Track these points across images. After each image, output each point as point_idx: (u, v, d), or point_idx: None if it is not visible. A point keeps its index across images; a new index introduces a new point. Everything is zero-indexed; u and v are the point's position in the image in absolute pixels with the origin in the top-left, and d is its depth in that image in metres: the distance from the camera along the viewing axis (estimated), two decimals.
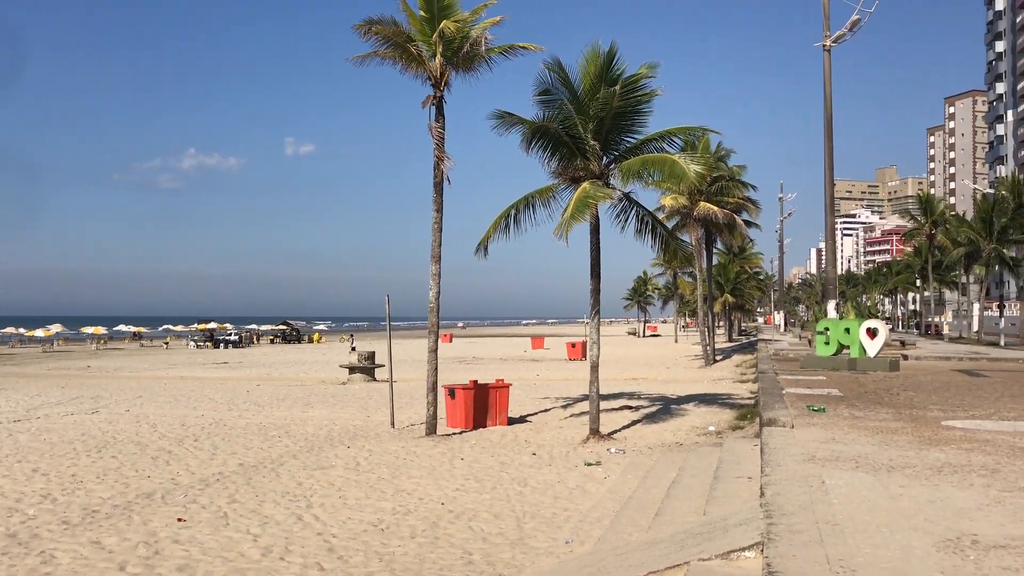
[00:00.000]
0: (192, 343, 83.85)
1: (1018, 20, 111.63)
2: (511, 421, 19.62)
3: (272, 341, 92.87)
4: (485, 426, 18.99)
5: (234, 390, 30.36)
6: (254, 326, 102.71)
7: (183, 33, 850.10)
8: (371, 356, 34.63)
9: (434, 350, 18.77)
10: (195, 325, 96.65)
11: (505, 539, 9.84)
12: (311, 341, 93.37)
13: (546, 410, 21.99)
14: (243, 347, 78.30)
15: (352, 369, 33.67)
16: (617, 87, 15.94)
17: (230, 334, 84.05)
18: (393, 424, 19.31)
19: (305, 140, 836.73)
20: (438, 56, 17.87)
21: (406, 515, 11.03)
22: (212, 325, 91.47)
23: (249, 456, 15.79)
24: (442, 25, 17.27)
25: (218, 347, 77.76)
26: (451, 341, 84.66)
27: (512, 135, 17.07)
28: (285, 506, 11.64)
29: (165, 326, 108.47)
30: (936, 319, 76.73)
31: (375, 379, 33.08)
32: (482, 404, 19.06)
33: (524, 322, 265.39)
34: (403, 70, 18.41)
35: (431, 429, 17.88)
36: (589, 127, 16.69)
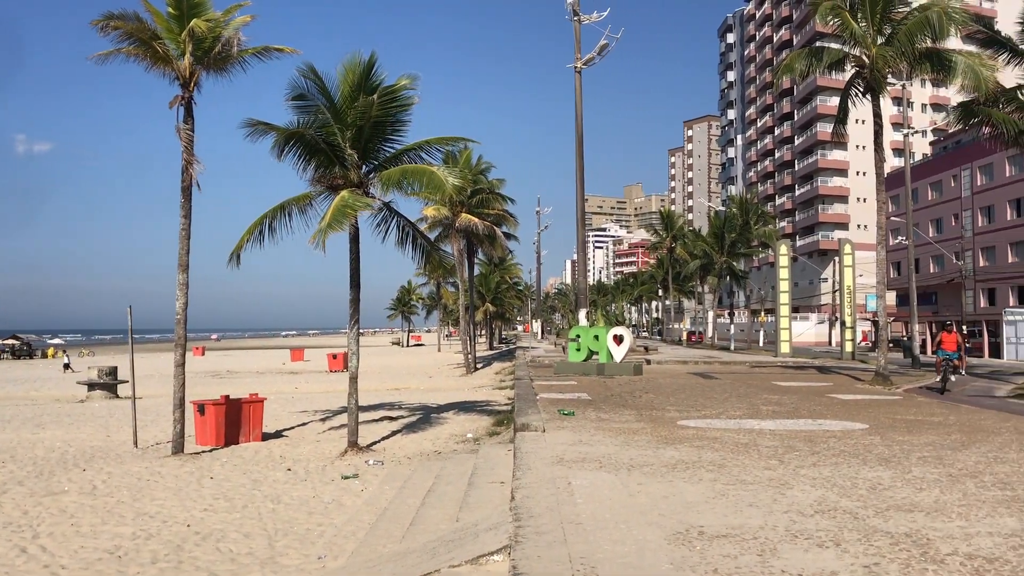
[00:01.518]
0: None
1: (747, 52, 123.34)
2: (266, 436, 18.93)
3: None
4: (238, 443, 18.20)
5: None
6: None
7: None
8: (113, 371, 32.17)
9: (181, 364, 17.76)
10: None
11: (255, 559, 9.45)
12: (45, 356, 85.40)
13: (304, 424, 21.43)
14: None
15: (91, 385, 31.11)
16: (375, 96, 15.90)
17: None
18: (136, 443, 18.03)
19: (40, 138, 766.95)
20: (187, 55, 16.98)
21: (148, 539, 10.31)
22: None
23: None
24: (192, 23, 16.42)
25: None
26: (203, 354, 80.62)
27: (268, 140, 16.55)
28: (7, 538, 10.51)
29: None
30: (699, 328, 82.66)
31: (118, 396, 30.77)
32: (234, 420, 18.25)
33: (284, 333, 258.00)
34: (149, 68, 17.33)
35: (178, 447, 16.88)
36: (347, 135, 16.51)
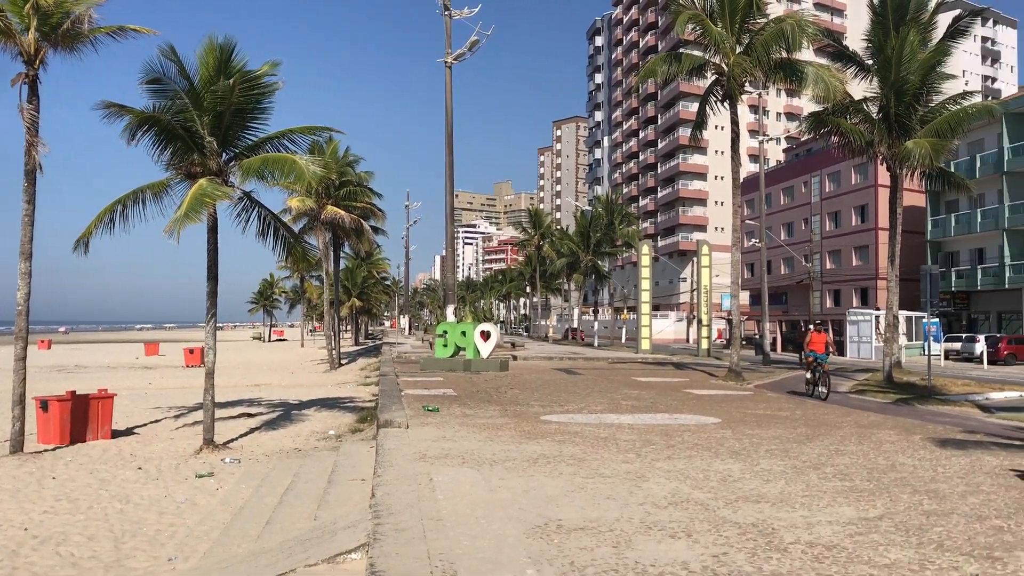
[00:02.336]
0: None
1: (614, 56, 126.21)
2: (116, 434, 18.04)
3: None
4: (85, 440, 17.26)
5: None
6: None
7: None
8: None
9: (22, 358, 16.69)
10: None
11: (99, 562, 8.98)
12: None
13: (157, 421, 20.54)
14: None
15: None
16: (233, 80, 15.38)
17: None
18: None
19: None
20: (31, 31, 15.94)
21: None
22: None
23: None
24: None
25: None
26: (50, 348, 76.10)
27: (122, 124, 15.74)
28: None
29: None
30: (576, 326, 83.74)
31: None
32: (81, 417, 17.30)
33: (138, 327, 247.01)
34: None
35: (17, 446, 15.86)
36: (206, 121, 15.91)
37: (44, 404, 17.05)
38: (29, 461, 15.10)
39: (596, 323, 66.75)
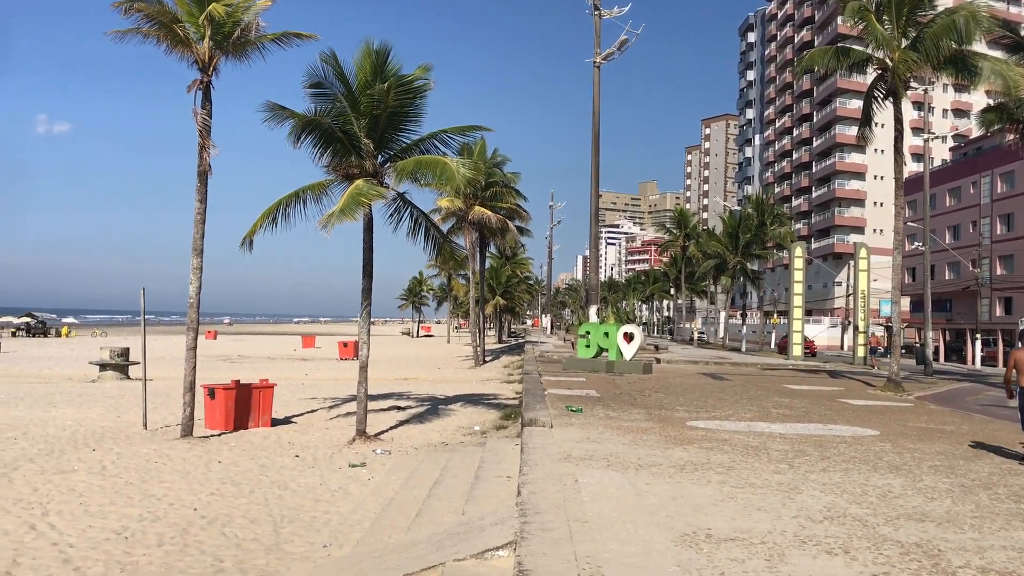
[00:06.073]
0: None
1: (767, 52, 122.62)
2: (275, 422, 18.97)
3: (14, 334, 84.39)
4: (247, 427, 18.24)
5: None
6: None
7: None
8: (125, 352, 32.31)
9: (193, 347, 17.80)
10: None
11: (260, 544, 9.46)
12: (59, 335, 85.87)
13: (313, 411, 21.46)
14: None
15: (103, 366, 31.27)
16: (389, 84, 15.86)
17: None
18: (146, 425, 18.10)
19: (60, 118, 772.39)
20: (206, 40, 16.98)
21: (154, 522, 10.34)
22: None
23: None
24: (211, 8, 16.42)
25: None
26: (216, 338, 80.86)
27: (285, 127, 16.54)
28: (16, 514, 10.57)
29: None
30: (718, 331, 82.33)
31: (128, 377, 30.92)
32: (244, 404, 18.29)
33: (296, 320, 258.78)
34: (168, 51, 17.33)
35: (187, 431, 16.93)
36: (363, 124, 16.49)
37: (211, 392, 18.10)
38: (198, 445, 16.07)
39: (744, 327, 65.07)
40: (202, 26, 16.85)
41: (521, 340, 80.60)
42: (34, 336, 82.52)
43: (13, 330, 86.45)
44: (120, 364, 31.36)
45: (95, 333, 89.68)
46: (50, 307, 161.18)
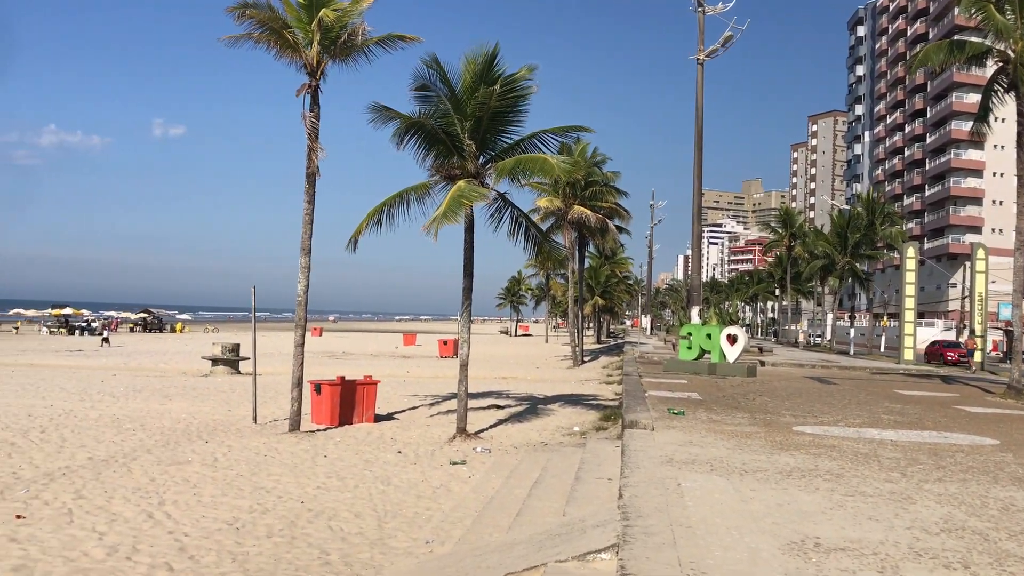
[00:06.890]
0: (45, 329, 79.26)
1: (878, 47, 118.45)
2: (378, 418, 19.36)
3: (132, 330, 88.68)
4: (351, 423, 18.68)
5: (88, 379, 28.82)
6: (113, 313, 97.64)
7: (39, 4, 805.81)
8: (235, 348, 33.55)
9: (300, 344, 18.32)
10: (49, 310, 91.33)
11: (365, 539, 9.66)
12: (174, 331, 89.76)
13: (414, 408, 21.83)
14: (101, 334, 74.50)
15: (215, 361, 32.54)
16: (496, 86, 15.96)
17: (88, 321, 79.88)
18: (255, 419, 18.75)
19: (176, 122, 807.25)
20: (315, 45, 17.45)
21: (263, 514, 10.69)
22: (67, 311, 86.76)
23: (100, 450, 14.98)
24: (321, 13, 16.87)
25: (73, 334, 73.90)
26: (321, 335, 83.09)
27: (389, 128, 16.85)
28: (135, 503, 11.09)
29: (15, 310, 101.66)
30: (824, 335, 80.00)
31: (239, 372, 32.09)
32: (348, 400, 18.73)
33: (397, 318, 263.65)
34: (278, 56, 17.89)
35: (295, 425, 17.44)
36: (466, 126, 16.66)
37: (318, 387, 18.60)
38: (304, 439, 16.54)
39: (852, 330, 63.04)
40: (311, 31, 17.32)
41: (620, 341, 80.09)
42: (150, 332, 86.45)
43: (131, 325, 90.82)
44: (231, 359, 32.56)
45: (208, 329, 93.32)
46: (165, 304, 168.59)
